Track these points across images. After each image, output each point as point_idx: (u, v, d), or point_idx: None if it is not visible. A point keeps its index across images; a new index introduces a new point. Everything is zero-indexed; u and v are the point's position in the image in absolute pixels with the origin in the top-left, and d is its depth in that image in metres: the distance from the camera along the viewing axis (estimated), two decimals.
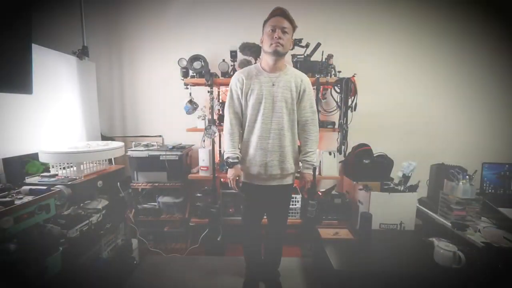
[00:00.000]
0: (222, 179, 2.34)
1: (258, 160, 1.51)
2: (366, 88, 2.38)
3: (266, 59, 1.49)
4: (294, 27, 1.46)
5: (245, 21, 2.44)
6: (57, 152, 1.53)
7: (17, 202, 1.13)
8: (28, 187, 1.26)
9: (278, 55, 1.43)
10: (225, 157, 1.55)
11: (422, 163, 2.06)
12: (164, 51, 2.51)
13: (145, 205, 2.26)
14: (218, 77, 2.19)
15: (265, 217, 1.73)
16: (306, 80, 1.55)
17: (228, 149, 1.55)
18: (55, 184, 1.44)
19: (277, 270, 1.80)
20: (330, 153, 2.25)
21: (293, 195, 2.18)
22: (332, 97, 2.21)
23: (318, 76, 2.08)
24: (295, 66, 2.14)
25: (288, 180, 1.59)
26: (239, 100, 1.53)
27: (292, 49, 2.13)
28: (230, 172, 1.55)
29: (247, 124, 1.53)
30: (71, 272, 1.35)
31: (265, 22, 1.46)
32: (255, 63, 1.99)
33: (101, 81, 2.52)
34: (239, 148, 1.57)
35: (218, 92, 2.43)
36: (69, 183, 1.47)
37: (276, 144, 1.49)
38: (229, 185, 1.58)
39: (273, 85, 1.47)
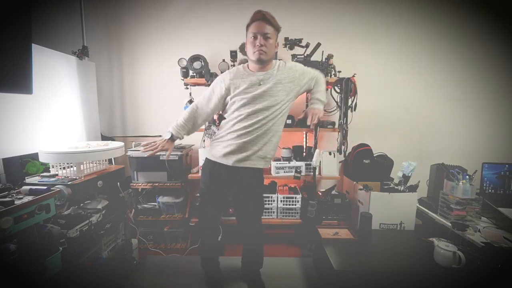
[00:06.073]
0: None
1: None
2: (366, 88, 2.39)
3: (252, 65, 1.45)
4: (278, 30, 1.38)
5: (245, 21, 2.40)
6: (57, 152, 1.53)
7: (17, 202, 1.13)
8: (28, 187, 1.26)
9: (262, 63, 1.38)
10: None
11: (422, 163, 2.06)
12: (164, 51, 2.51)
13: (145, 205, 2.25)
14: None
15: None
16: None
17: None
18: (55, 184, 1.44)
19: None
20: (330, 153, 2.24)
21: (293, 195, 2.18)
22: (332, 97, 2.21)
23: None
24: None
25: None
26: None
27: (288, 49, 2.11)
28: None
29: None
30: (71, 272, 1.35)
31: (247, 27, 1.39)
32: None
33: (101, 81, 2.52)
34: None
35: None
36: (69, 183, 1.47)
37: None
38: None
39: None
